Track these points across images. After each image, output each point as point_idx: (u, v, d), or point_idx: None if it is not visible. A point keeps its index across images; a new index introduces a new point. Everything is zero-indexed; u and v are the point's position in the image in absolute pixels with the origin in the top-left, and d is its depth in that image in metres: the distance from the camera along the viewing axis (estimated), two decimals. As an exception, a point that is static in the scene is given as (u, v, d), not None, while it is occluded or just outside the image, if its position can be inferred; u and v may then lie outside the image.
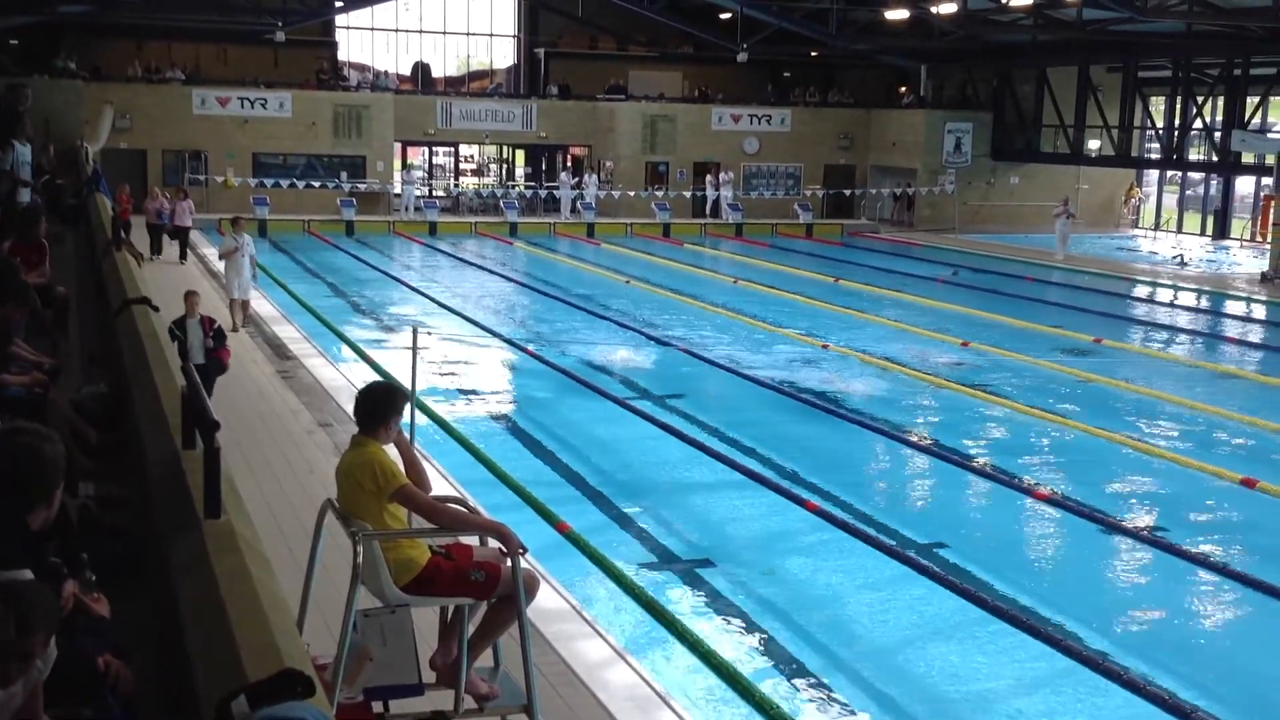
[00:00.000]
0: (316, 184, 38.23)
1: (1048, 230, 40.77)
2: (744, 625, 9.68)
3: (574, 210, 40.45)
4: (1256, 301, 28.22)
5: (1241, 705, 8.59)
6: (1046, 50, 39.42)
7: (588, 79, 44.23)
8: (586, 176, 41.46)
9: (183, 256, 26.93)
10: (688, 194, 41.76)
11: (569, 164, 43.71)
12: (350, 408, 6.07)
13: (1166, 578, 11.13)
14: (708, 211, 41.63)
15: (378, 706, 5.54)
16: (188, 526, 4.21)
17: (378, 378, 14.28)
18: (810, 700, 8.42)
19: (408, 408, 8.02)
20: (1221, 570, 10.99)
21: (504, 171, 46.18)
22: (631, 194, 40.60)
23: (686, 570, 10.82)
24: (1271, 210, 32.74)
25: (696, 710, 7.79)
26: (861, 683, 8.81)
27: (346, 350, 19.28)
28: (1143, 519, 12.56)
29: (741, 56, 40.26)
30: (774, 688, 8.34)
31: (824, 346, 20.68)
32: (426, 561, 5.38)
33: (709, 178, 41.95)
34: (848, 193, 43.13)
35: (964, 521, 12.70)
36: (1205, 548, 11.61)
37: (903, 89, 46.45)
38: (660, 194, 40.89)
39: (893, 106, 45.02)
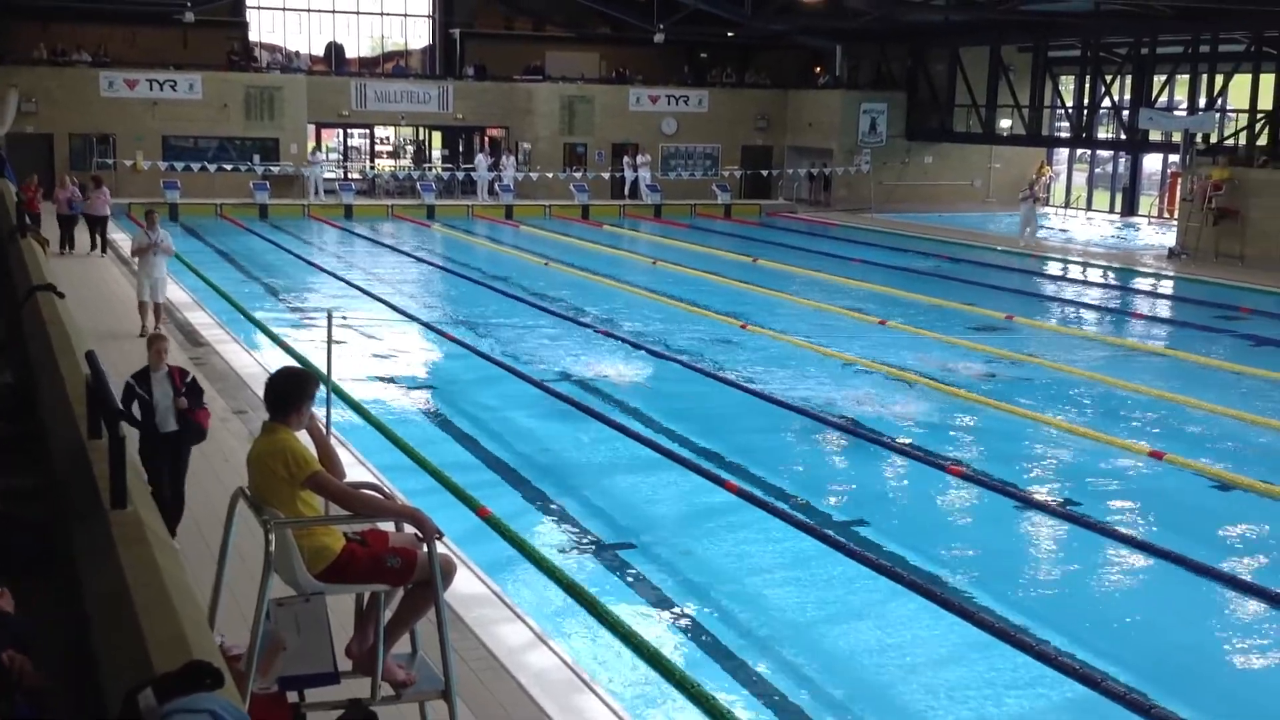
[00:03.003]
0: (229, 167, 37.67)
1: (962, 209, 41.49)
2: (666, 606, 9.71)
3: (492, 192, 40.24)
4: (1165, 277, 28.83)
5: (1151, 673, 8.77)
6: (959, 30, 39.85)
7: (504, 60, 43.94)
8: (504, 158, 41.23)
9: (99, 248, 25.76)
10: (606, 175, 41.69)
11: (486, 146, 43.44)
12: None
13: (1079, 550, 11.34)
14: (626, 193, 41.59)
15: (293, 696, 5.50)
16: (94, 517, 4.14)
17: (292, 363, 14.11)
18: (731, 679, 8.47)
19: (322, 393, 7.93)
20: (1131, 541, 11.22)
21: (420, 153, 45.75)
22: (550, 175, 40.46)
23: (608, 552, 10.84)
24: (1179, 187, 33.40)
25: (619, 692, 7.81)
26: (781, 661, 8.88)
27: (260, 336, 19.04)
28: (1055, 493, 12.77)
29: (658, 37, 40.30)
30: (695, 667, 8.38)
31: (743, 326, 20.78)
32: (341, 548, 5.33)
33: (627, 159, 41.90)
34: (765, 173, 43.32)
35: (882, 499, 12.84)
36: (1116, 519, 11.85)
37: (818, 70, 46.70)
38: (579, 175, 40.79)
39: (809, 87, 45.25)
